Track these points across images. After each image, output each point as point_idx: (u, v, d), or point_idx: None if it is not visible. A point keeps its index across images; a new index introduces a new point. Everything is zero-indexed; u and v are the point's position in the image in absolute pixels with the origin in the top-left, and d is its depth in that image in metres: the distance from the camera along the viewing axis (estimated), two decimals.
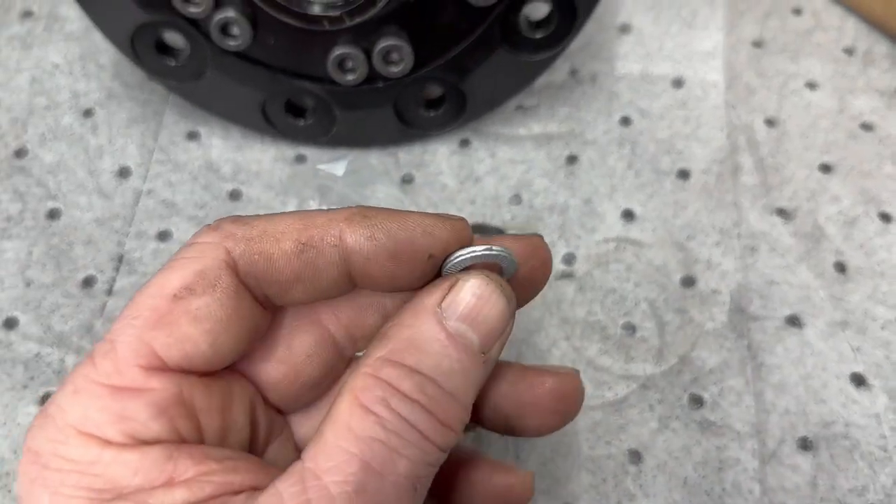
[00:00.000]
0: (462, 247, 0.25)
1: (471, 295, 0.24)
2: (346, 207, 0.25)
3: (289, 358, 0.27)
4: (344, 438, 0.22)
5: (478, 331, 0.24)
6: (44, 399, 0.42)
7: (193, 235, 0.25)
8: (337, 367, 0.29)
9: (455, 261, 0.25)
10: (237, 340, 0.25)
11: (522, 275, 0.27)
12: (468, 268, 0.25)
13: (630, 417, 0.42)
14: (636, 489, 0.40)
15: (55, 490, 0.22)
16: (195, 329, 0.23)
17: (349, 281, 0.25)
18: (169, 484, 0.22)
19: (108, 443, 0.22)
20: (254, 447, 0.27)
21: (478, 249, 0.25)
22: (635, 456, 0.41)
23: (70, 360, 0.43)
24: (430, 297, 0.24)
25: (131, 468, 0.22)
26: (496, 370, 0.27)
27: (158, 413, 0.23)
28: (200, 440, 0.24)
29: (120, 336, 0.23)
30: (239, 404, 0.26)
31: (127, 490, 0.22)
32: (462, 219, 0.26)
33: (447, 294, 0.24)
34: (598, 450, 0.41)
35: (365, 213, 0.25)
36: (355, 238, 0.24)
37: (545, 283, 0.28)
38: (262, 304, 0.25)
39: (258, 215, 0.25)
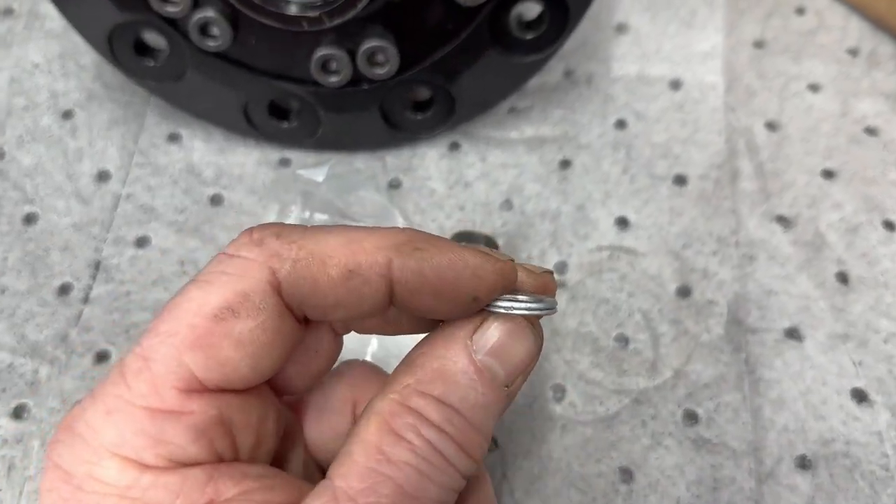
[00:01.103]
0: (507, 290, 0.25)
1: (501, 331, 0.25)
2: (395, 229, 0.25)
3: (302, 357, 0.27)
4: (376, 461, 0.22)
5: (504, 366, 0.24)
6: (16, 411, 0.40)
7: (231, 245, 0.24)
8: (336, 351, 0.29)
9: (500, 308, 0.25)
10: (277, 361, 0.25)
11: None
12: None
13: (622, 434, 0.40)
14: None
15: None
16: (237, 353, 0.23)
17: (388, 305, 0.25)
18: None
19: (146, 466, 0.22)
20: (278, 453, 0.27)
21: (528, 305, 0.25)
22: (626, 474, 0.39)
23: (44, 370, 0.41)
24: (462, 330, 0.25)
25: (172, 491, 0.22)
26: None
27: (198, 436, 0.23)
28: (235, 456, 0.24)
29: (154, 354, 0.23)
30: (271, 415, 0.26)
31: None
32: (511, 260, 0.25)
33: (478, 327, 0.25)
34: (588, 467, 0.40)
35: (415, 243, 0.24)
36: (403, 272, 0.24)
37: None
38: (299, 321, 0.25)
39: (302, 228, 0.24)
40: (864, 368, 0.42)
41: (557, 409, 0.41)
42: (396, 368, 0.25)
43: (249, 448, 0.25)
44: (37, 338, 0.42)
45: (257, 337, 0.23)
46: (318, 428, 0.29)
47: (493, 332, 0.24)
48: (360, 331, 0.28)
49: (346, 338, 0.29)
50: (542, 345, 0.26)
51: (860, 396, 0.42)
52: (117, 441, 0.22)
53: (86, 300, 0.44)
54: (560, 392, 0.42)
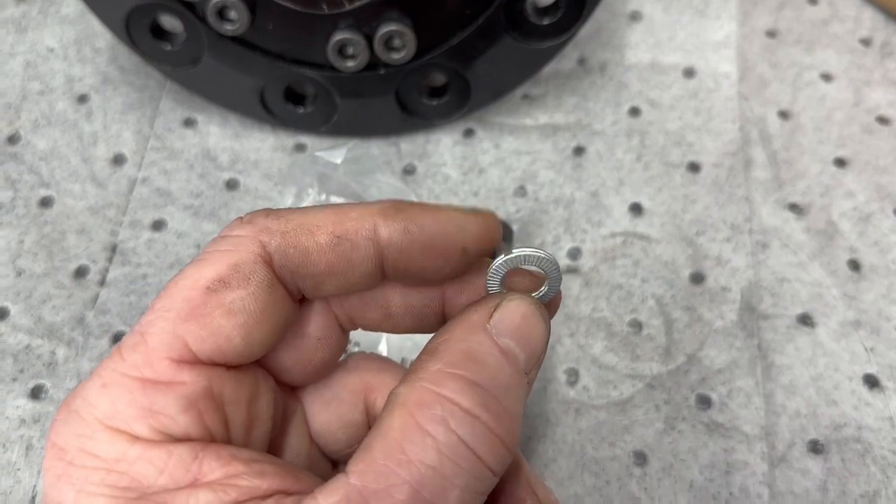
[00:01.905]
0: (495, 244, 0.25)
1: (518, 314, 0.24)
2: (379, 201, 0.25)
3: (301, 344, 0.27)
4: (395, 460, 0.21)
5: (524, 350, 0.24)
6: (34, 392, 0.41)
7: (225, 228, 0.25)
8: (340, 342, 0.28)
9: (505, 258, 0.25)
10: (269, 334, 0.24)
11: None
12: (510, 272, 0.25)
13: (635, 418, 0.41)
14: (640, 492, 0.39)
15: (80, 487, 0.22)
16: (229, 322, 0.23)
17: (380, 274, 0.25)
18: (194, 485, 0.22)
19: (135, 438, 0.22)
20: (274, 434, 0.27)
21: (527, 251, 0.25)
22: (640, 458, 0.40)
23: (61, 352, 0.42)
24: (479, 314, 0.24)
25: (157, 467, 0.22)
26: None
27: (188, 406, 0.22)
28: (227, 435, 0.24)
29: (150, 328, 0.23)
30: (264, 396, 0.26)
31: (151, 490, 0.21)
32: (491, 212, 0.26)
33: (494, 311, 0.24)
34: (601, 451, 0.40)
35: (398, 206, 0.25)
36: (389, 231, 0.24)
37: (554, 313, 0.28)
38: (293, 298, 0.25)
39: (291, 209, 0.25)
40: (875, 355, 0.43)
41: (571, 392, 0.41)
42: (418, 358, 0.24)
43: (241, 426, 0.24)
44: (54, 320, 0.43)
45: (248, 305, 0.23)
46: (325, 417, 0.29)
47: (509, 316, 0.24)
48: (365, 326, 0.28)
49: (355, 340, 0.29)
50: (549, 335, 0.25)
51: (872, 382, 0.42)
52: (110, 413, 0.22)
53: (102, 283, 0.44)
54: (574, 376, 0.42)
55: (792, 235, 0.46)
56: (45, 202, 0.47)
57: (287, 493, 0.22)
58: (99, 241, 0.45)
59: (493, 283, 0.25)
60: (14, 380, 0.41)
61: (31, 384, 0.41)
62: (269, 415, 0.26)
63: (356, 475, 0.21)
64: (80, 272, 0.44)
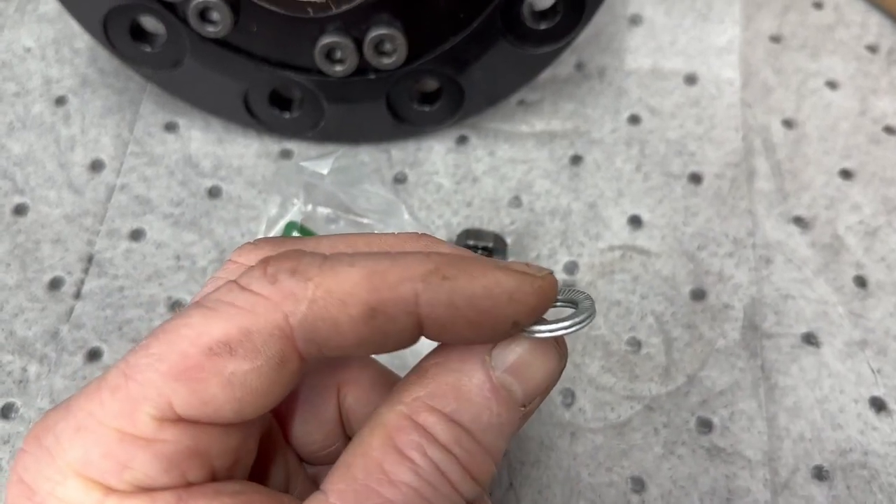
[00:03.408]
0: (548, 309, 0.23)
1: (523, 348, 0.23)
2: (420, 255, 0.22)
3: (317, 427, 0.27)
4: (376, 480, 0.21)
5: (523, 385, 0.23)
6: (4, 411, 0.39)
7: (245, 276, 0.22)
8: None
9: (539, 330, 0.22)
10: (266, 407, 0.22)
11: None
12: None
13: (633, 442, 0.39)
14: None
15: None
16: (223, 394, 0.21)
17: (417, 339, 0.23)
18: None
19: (110, 490, 0.21)
20: (259, 462, 0.26)
21: (569, 323, 0.22)
22: (638, 484, 0.38)
23: (33, 369, 0.40)
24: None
25: None
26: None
27: (169, 467, 0.21)
28: (212, 479, 0.23)
29: (137, 375, 0.21)
30: (252, 436, 0.24)
31: None
32: (550, 274, 0.23)
33: (499, 342, 0.23)
34: (598, 477, 0.38)
35: (444, 270, 0.22)
36: (432, 307, 0.21)
37: None
38: (307, 365, 0.23)
39: (320, 260, 0.22)
40: (882, 376, 0.41)
41: (567, 415, 0.40)
42: (407, 376, 0.23)
43: (226, 469, 0.23)
44: (26, 334, 0.41)
45: (250, 381, 0.21)
46: (301, 418, 0.27)
47: (514, 348, 0.22)
48: None
49: None
50: (565, 363, 0.24)
51: (879, 405, 0.40)
52: (83, 461, 0.21)
53: (77, 295, 0.42)
54: (570, 397, 0.40)
55: (796, 250, 0.44)
56: (19, 210, 0.45)
57: None
58: (75, 251, 0.43)
59: None
60: None
61: (1, 403, 0.39)
62: (254, 447, 0.25)
63: (335, 494, 0.21)
64: (55, 284, 0.42)
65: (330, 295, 0.21)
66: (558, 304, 0.24)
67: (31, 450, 0.21)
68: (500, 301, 0.21)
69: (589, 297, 0.24)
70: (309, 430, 0.27)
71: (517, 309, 0.22)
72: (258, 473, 0.26)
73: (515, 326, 0.22)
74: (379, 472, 0.21)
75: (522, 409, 0.23)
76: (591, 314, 0.23)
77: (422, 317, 0.21)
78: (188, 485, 0.21)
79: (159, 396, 0.21)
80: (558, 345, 0.23)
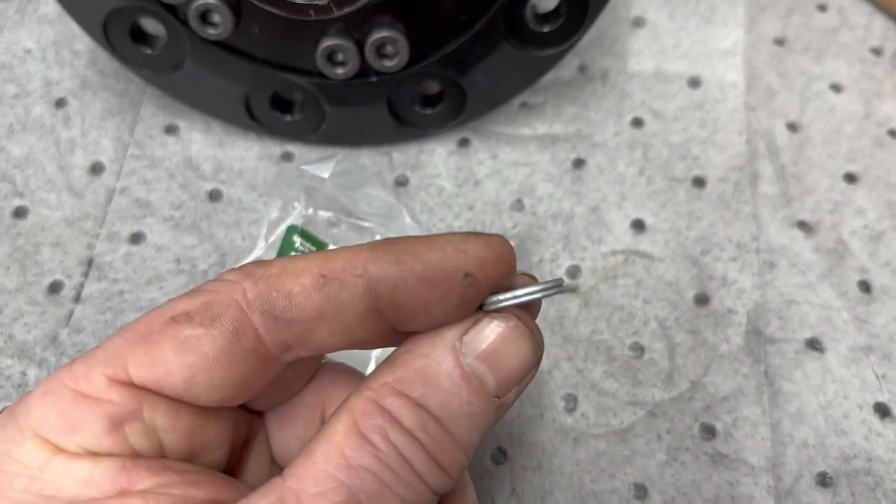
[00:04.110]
0: (506, 269, 0.23)
1: (496, 334, 0.23)
2: (371, 242, 0.23)
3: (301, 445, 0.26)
4: (335, 464, 0.21)
5: (496, 374, 0.23)
6: None
7: (221, 273, 0.24)
8: (312, 364, 0.27)
9: (502, 298, 0.22)
10: (218, 385, 0.23)
11: None
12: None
13: (636, 448, 0.39)
14: None
15: (2, 492, 0.21)
16: (174, 357, 0.22)
17: (381, 322, 0.23)
18: (123, 495, 0.21)
19: (59, 450, 0.21)
20: (231, 457, 0.26)
21: (533, 289, 0.22)
22: (641, 490, 0.38)
23: (32, 373, 0.40)
24: (451, 330, 0.23)
25: (81, 479, 0.21)
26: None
27: (112, 427, 0.22)
28: (161, 457, 0.23)
29: (105, 343, 0.23)
30: (214, 426, 0.24)
31: (77, 501, 0.21)
32: (499, 235, 0.23)
33: (470, 328, 0.23)
34: (601, 483, 0.38)
35: (389, 241, 0.23)
36: (380, 265, 0.22)
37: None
38: (274, 357, 0.23)
39: (281, 258, 0.24)
40: (887, 382, 0.41)
41: (569, 420, 0.39)
42: (378, 366, 0.23)
43: (181, 453, 0.23)
44: (25, 338, 0.41)
45: (202, 345, 0.22)
46: (283, 434, 0.27)
47: (486, 334, 0.22)
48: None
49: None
50: (541, 354, 0.24)
51: (883, 411, 0.40)
52: (42, 422, 0.22)
53: (77, 299, 0.42)
54: (572, 402, 0.40)
55: (800, 255, 0.44)
56: (19, 212, 0.44)
57: (222, 503, 0.21)
58: (74, 254, 0.43)
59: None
60: None
61: (0, 406, 0.39)
62: (221, 443, 0.25)
63: (294, 478, 0.21)
64: (55, 287, 0.42)
65: (285, 270, 0.23)
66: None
67: (2, 421, 0.22)
68: (445, 251, 0.22)
69: (560, 278, 0.24)
70: (291, 449, 0.27)
71: (464, 259, 0.22)
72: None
73: (469, 279, 0.22)
74: (339, 457, 0.21)
75: (496, 400, 0.23)
76: (559, 284, 0.23)
77: (372, 279, 0.22)
78: (135, 454, 0.22)
79: (116, 358, 0.22)
80: (532, 333, 0.23)
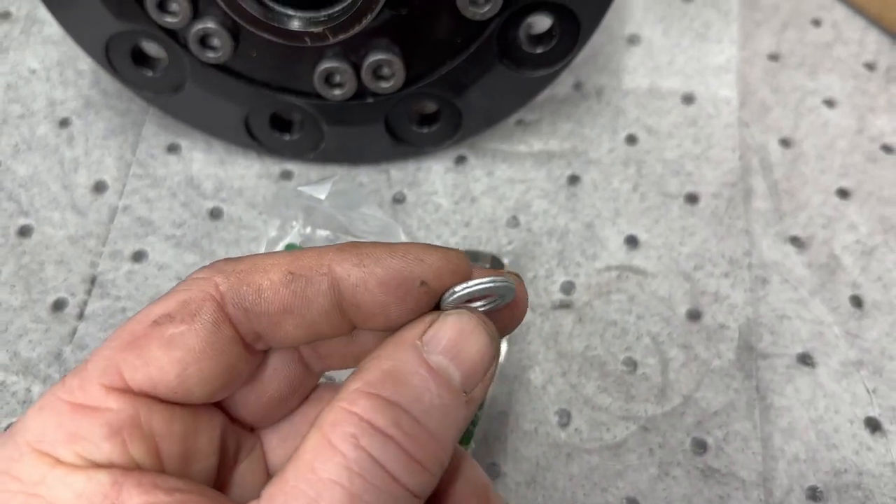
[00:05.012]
0: (460, 280, 0.24)
1: (452, 329, 0.24)
2: (339, 244, 0.25)
3: (258, 390, 0.27)
4: (304, 480, 0.21)
5: (460, 367, 0.23)
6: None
7: (190, 274, 0.26)
8: (305, 382, 0.28)
9: (454, 295, 0.24)
10: (208, 376, 0.24)
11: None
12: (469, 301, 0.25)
13: (629, 462, 0.39)
14: None
15: None
16: (164, 355, 0.23)
17: (343, 318, 0.24)
18: None
19: (57, 462, 0.22)
20: (222, 470, 0.26)
21: (480, 281, 0.24)
22: None
23: (36, 389, 0.40)
24: (411, 331, 0.24)
25: (74, 492, 0.21)
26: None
27: (111, 433, 0.22)
28: (159, 465, 0.23)
29: (94, 357, 0.23)
30: (206, 432, 0.25)
31: None
32: (457, 250, 0.25)
33: (428, 328, 0.24)
34: (593, 497, 0.39)
35: (356, 244, 0.24)
36: (344, 266, 0.24)
37: (517, 325, 0.27)
38: (250, 345, 0.25)
39: (251, 255, 0.25)
40: (878, 396, 0.41)
41: (563, 435, 0.40)
42: (346, 379, 0.24)
43: (176, 458, 0.24)
44: (30, 355, 0.41)
45: (188, 341, 0.23)
46: (283, 452, 0.28)
47: (444, 332, 0.23)
48: (333, 364, 0.27)
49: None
50: (498, 347, 0.25)
51: (874, 426, 0.40)
52: (39, 436, 0.22)
53: (80, 316, 0.43)
54: (565, 418, 0.41)
55: (792, 270, 0.45)
56: (24, 231, 0.45)
57: None
58: (78, 272, 0.44)
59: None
60: None
61: (5, 423, 0.40)
62: (212, 450, 0.25)
63: (266, 498, 0.21)
64: (58, 305, 0.43)
65: (255, 266, 0.24)
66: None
67: (1, 438, 0.23)
68: (405, 259, 0.24)
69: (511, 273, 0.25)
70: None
71: (422, 268, 0.24)
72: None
73: (425, 287, 0.24)
74: (308, 472, 0.21)
75: (465, 395, 0.23)
76: (507, 281, 0.24)
77: (336, 278, 0.24)
78: (133, 464, 0.22)
79: (109, 367, 0.23)
80: (485, 324, 0.24)
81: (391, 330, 0.25)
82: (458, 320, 0.24)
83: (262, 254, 0.25)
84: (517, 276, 0.26)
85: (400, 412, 0.22)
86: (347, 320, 0.24)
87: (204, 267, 0.25)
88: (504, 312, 0.26)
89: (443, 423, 0.23)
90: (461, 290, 0.24)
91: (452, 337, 0.23)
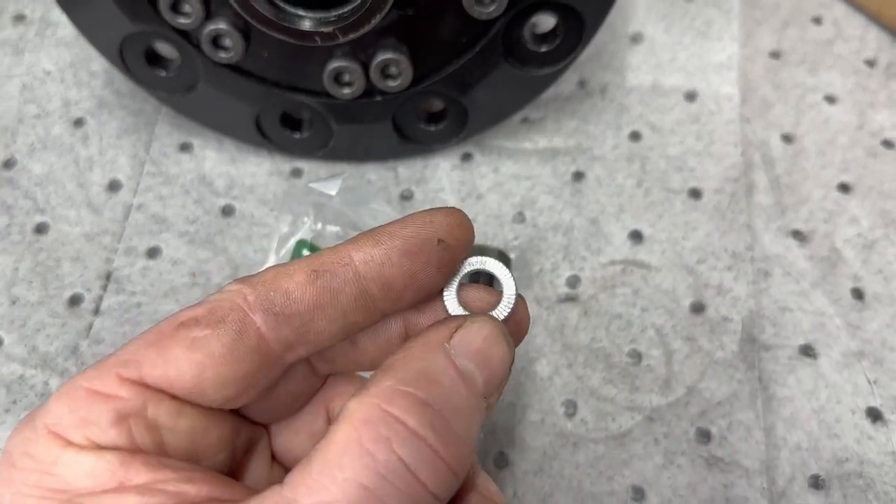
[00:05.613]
0: (468, 233, 0.26)
1: (479, 336, 0.24)
2: (350, 238, 0.26)
3: (270, 397, 0.27)
4: (330, 476, 0.21)
5: (483, 372, 0.24)
6: None
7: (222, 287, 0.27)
8: (311, 384, 0.28)
9: (470, 267, 0.26)
10: (225, 381, 0.24)
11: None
12: (476, 278, 0.27)
13: (634, 452, 0.40)
14: None
15: (17, 489, 0.22)
16: (185, 355, 0.24)
17: (373, 304, 0.25)
18: (120, 489, 0.22)
19: (69, 443, 0.23)
20: (232, 464, 0.27)
21: (491, 260, 0.26)
22: (638, 493, 0.39)
23: (54, 382, 0.41)
24: (438, 334, 0.24)
25: (85, 470, 0.22)
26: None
27: (117, 420, 0.23)
28: (164, 455, 0.24)
29: (119, 350, 0.24)
30: (215, 430, 0.26)
31: (79, 493, 0.22)
32: (455, 207, 0.26)
33: (455, 332, 0.24)
34: (599, 486, 0.39)
35: (365, 232, 0.25)
36: (364, 251, 0.25)
37: (518, 343, 0.28)
38: (279, 357, 0.25)
39: (271, 266, 0.26)
40: (879, 387, 0.42)
41: (569, 425, 0.41)
42: (374, 373, 0.24)
43: (183, 454, 0.25)
44: (47, 349, 0.42)
45: (209, 345, 0.24)
46: (287, 435, 0.29)
47: (471, 337, 0.24)
48: (343, 369, 0.28)
49: None
50: (513, 358, 0.26)
51: (875, 415, 0.41)
52: (56, 419, 0.23)
53: (96, 311, 0.44)
54: (572, 408, 0.41)
55: (794, 263, 0.45)
56: (41, 228, 0.46)
57: (219, 501, 0.22)
58: (94, 268, 0.45)
59: (451, 301, 0.26)
60: (7, 411, 0.41)
61: (24, 415, 0.41)
62: (221, 447, 0.26)
63: (290, 487, 0.21)
64: (75, 300, 0.44)
65: (278, 273, 0.25)
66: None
67: (20, 424, 0.24)
68: (416, 225, 0.25)
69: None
70: (292, 447, 0.29)
71: (434, 228, 0.25)
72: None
73: (441, 244, 0.25)
74: (335, 469, 0.21)
75: (485, 401, 0.24)
76: (510, 275, 0.26)
77: (359, 264, 0.24)
78: (137, 448, 0.23)
79: (129, 361, 0.24)
80: (506, 334, 0.25)
81: (418, 299, 0.26)
82: (483, 327, 0.25)
83: (282, 263, 0.26)
84: (520, 296, 0.27)
85: (434, 413, 0.22)
86: (377, 308, 0.25)
87: (234, 280, 0.26)
88: (509, 325, 0.27)
89: (469, 425, 0.23)
90: (477, 263, 0.26)
91: (479, 342, 0.24)
